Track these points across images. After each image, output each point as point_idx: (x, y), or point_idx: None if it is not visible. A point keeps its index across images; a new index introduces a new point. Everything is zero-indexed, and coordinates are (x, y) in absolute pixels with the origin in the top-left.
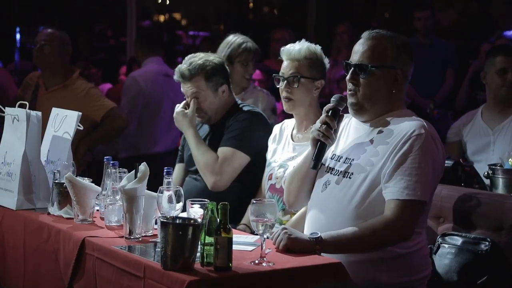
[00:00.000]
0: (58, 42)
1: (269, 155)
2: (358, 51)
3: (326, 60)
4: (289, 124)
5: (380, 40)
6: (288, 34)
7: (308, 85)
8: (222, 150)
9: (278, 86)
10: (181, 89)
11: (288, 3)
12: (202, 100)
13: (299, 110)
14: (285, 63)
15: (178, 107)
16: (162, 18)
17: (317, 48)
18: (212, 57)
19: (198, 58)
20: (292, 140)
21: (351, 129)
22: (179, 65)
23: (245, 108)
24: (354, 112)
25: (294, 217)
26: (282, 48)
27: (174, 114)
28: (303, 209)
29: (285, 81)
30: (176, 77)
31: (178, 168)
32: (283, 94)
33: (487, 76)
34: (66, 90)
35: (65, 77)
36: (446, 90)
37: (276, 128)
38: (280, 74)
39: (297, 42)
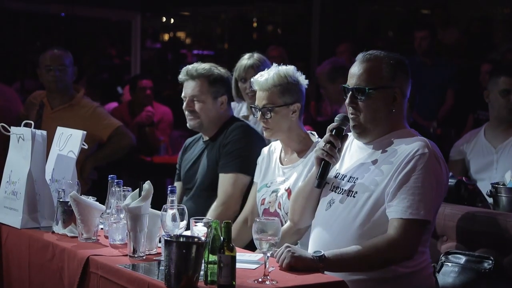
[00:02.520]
0: (64, 63)
1: (259, 178)
2: (354, 74)
3: (303, 79)
4: (277, 147)
5: (374, 62)
6: (283, 51)
7: (283, 112)
8: (224, 179)
9: (255, 116)
10: (183, 90)
11: (292, 22)
12: (199, 101)
13: (279, 136)
14: (257, 94)
15: None
16: (166, 37)
17: (289, 70)
18: (218, 68)
19: (206, 64)
20: (281, 163)
21: (355, 148)
22: (187, 66)
23: (240, 124)
24: (358, 135)
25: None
26: (251, 79)
27: None
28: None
29: (259, 112)
30: (181, 76)
31: (176, 186)
32: (260, 124)
33: (490, 95)
34: (72, 110)
35: (70, 97)
36: (446, 111)
37: (265, 151)
38: (255, 105)
39: (266, 69)
